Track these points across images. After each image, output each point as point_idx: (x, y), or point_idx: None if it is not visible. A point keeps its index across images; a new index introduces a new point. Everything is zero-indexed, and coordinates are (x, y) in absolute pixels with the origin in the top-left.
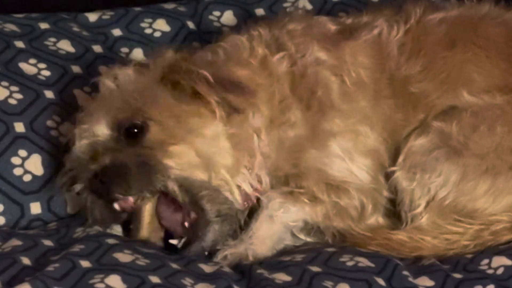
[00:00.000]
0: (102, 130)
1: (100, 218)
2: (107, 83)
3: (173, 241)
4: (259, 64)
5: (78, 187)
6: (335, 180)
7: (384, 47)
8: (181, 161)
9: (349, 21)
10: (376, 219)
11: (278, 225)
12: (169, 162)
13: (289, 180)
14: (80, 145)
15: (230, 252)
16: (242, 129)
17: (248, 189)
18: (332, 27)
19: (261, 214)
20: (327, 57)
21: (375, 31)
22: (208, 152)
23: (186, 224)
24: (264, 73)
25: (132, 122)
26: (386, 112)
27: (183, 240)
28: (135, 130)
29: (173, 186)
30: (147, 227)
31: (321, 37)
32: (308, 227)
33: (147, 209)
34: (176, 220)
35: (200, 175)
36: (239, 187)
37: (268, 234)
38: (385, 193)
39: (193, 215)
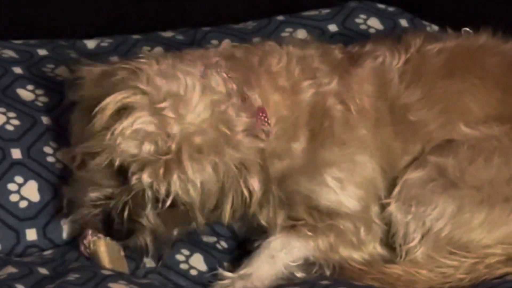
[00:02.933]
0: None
1: None
2: None
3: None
4: (291, 88)
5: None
6: (324, 207)
7: (387, 75)
8: None
9: (354, 50)
10: (374, 246)
11: (279, 266)
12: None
13: (280, 210)
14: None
15: None
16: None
17: None
18: (339, 54)
19: (263, 253)
20: (339, 86)
21: (379, 60)
22: None
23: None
24: (292, 100)
25: None
26: (386, 140)
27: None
28: None
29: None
30: (106, 258)
31: (334, 63)
32: (307, 264)
33: (102, 243)
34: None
35: None
36: None
37: (268, 275)
38: (379, 222)
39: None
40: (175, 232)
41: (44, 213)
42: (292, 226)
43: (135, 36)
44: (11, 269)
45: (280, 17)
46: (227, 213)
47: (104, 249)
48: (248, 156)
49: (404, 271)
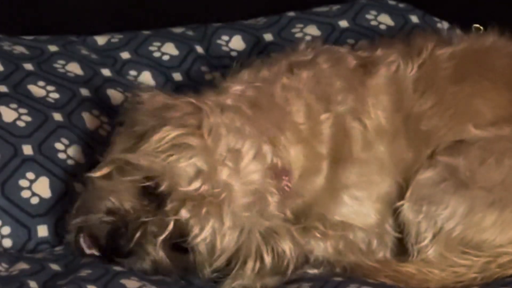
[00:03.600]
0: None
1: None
2: None
3: None
4: (312, 134)
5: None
6: (337, 221)
7: (401, 84)
8: None
9: (364, 54)
10: (384, 255)
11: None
12: None
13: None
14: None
15: (238, 284)
16: None
17: None
18: (352, 61)
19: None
20: (354, 102)
21: (393, 67)
22: None
23: None
24: (314, 147)
25: None
26: (400, 154)
27: None
28: None
29: None
30: None
31: (348, 75)
32: (317, 262)
33: None
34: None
35: None
36: None
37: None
38: (393, 233)
39: None
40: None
41: (55, 209)
42: (303, 228)
43: (146, 32)
44: (23, 265)
45: (291, 13)
46: (245, 275)
47: None
48: (277, 222)
49: (417, 270)
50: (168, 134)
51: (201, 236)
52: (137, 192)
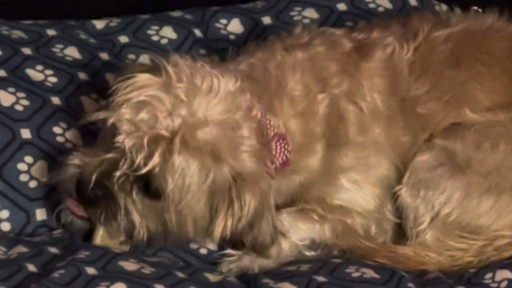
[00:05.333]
0: None
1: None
2: None
3: None
4: (309, 111)
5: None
6: (336, 205)
7: (396, 67)
8: None
9: (360, 36)
10: (383, 241)
11: (287, 243)
12: None
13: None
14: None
15: (236, 265)
16: None
17: None
18: (348, 44)
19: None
20: (349, 85)
21: (388, 50)
22: None
23: None
24: (310, 124)
25: None
26: (397, 137)
27: None
28: None
29: None
30: (102, 232)
31: (343, 59)
32: (315, 245)
33: None
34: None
35: None
36: None
37: (275, 251)
38: (392, 218)
39: None
40: (151, 229)
41: (54, 193)
42: (301, 209)
43: (144, 16)
44: (21, 249)
45: None
46: (216, 227)
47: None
48: (249, 172)
49: (415, 253)
50: (134, 82)
51: (150, 165)
52: (99, 143)
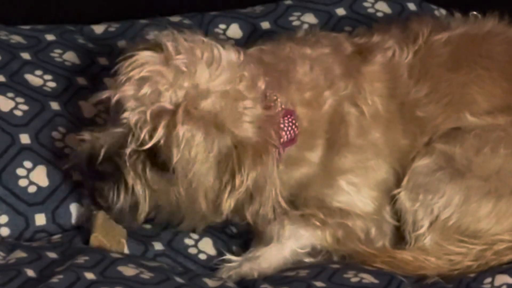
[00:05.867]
0: None
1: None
2: None
3: None
4: (315, 101)
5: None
6: (335, 208)
7: (396, 71)
8: None
9: (361, 41)
10: (383, 244)
11: (287, 252)
12: None
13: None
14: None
15: (235, 272)
16: None
17: None
18: (349, 47)
19: (270, 239)
20: (353, 88)
21: (388, 54)
22: None
23: None
24: (314, 114)
25: None
26: (396, 141)
27: None
28: None
29: None
30: (99, 229)
31: (346, 61)
32: (316, 251)
33: (100, 213)
34: None
35: None
36: None
37: (276, 258)
38: (391, 220)
39: None
40: (162, 204)
41: (53, 198)
42: (301, 215)
43: (143, 21)
44: (20, 254)
45: (288, 1)
46: (223, 199)
47: (100, 222)
48: (251, 142)
49: (414, 257)
50: (135, 60)
51: (155, 138)
52: (109, 121)
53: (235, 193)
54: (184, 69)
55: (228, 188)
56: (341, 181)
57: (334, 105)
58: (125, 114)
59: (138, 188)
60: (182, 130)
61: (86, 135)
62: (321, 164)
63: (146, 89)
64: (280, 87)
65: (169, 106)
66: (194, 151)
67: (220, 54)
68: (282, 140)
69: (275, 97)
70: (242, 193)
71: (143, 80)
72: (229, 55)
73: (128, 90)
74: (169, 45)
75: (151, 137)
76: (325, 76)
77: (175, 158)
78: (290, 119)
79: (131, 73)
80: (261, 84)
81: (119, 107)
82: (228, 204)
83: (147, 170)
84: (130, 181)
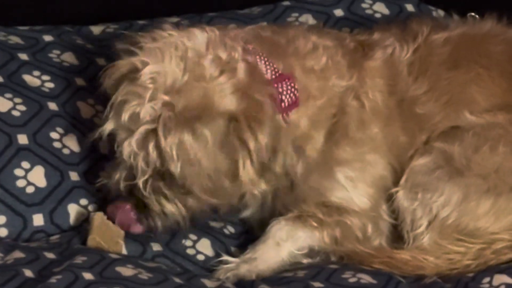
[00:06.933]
0: None
1: None
2: None
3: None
4: (320, 71)
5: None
6: (333, 203)
7: (396, 68)
8: None
9: (362, 38)
10: (380, 242)
11: (284, 253)
12: None
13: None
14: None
15: (233, 273)
16: None
17: None
18: (351, 43)
19: (268, 240)
20: (356, 81)
21: (389, 50)
22: None
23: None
24: (321, 83)
25: None
26: (394, 137)
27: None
28: None
29: None
30: (96, 230)
31: (350, 54)
32: (314, 252)
33: (98, 214)
34: (130, 218)
35: None
36: None
37: (274, 260)
38: (388, 218)
39: None
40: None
41: (51, 198)
42: (299, 216)
43: (141, 22)
44: (18, 254)
45: (286, 2)
46: (240, 172)
47: (97, 224)
48: (240, 107)
49: (412, 257)
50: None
51: (151, 162)
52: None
53: (253, 157)
54: (150, 86)
55: (241, 163)
56: (338, 173)
57: (342, 93)
58: (118, 149)
59: (166, 210)
60: (168, 144)
61: (103, 177)
62: (321, 154)
63: (125, 115)
64: (276, 55)
65: (150, 124)
66: (192, 153)
67: (185, 47)
68: (283, 104)
69: (266, 63)
70: (257, 158)
71: (121, 105)
72: (195, 44)
73: (111, 122)
74: (136, 61)
75: (147, 163)
76: (331, 61)
77: (178, 171)
78: (288, 82)
79: (112, 101)
80: (238, 55)
81: (112, 138)
82: (245, 175)
83: (165, 190)
84: (156, 207)
